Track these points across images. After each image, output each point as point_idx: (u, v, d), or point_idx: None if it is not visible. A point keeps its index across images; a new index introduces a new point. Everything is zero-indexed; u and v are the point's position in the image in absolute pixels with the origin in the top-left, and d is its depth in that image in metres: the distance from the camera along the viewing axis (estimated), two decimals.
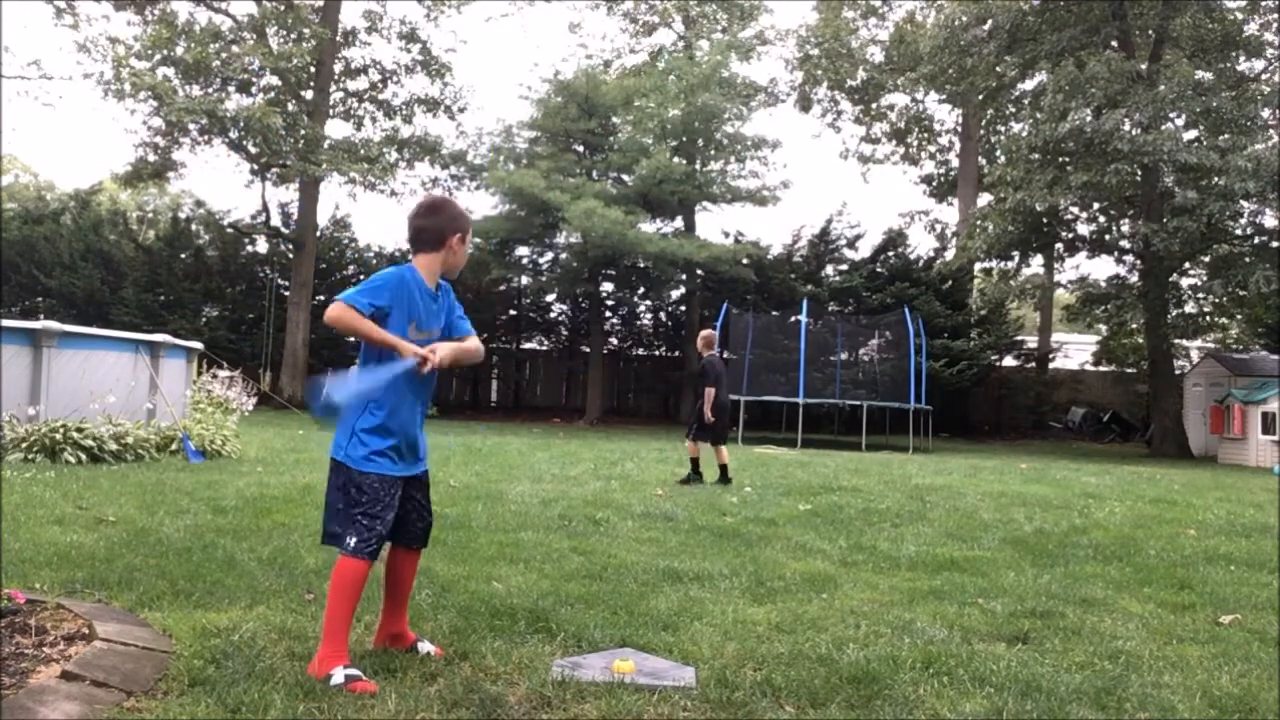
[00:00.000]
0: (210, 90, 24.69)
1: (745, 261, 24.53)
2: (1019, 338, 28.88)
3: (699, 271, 25.18)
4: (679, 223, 26.69)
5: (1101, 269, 62.53)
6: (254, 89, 25.38)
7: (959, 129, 31.33)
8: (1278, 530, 7.25)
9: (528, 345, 30.85)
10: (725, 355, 23.38)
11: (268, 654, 3.17)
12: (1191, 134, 19.94)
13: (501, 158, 25.41)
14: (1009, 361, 28.74)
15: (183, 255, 27.64)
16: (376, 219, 77.95)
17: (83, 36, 24.71)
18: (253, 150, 24.91)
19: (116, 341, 10.72)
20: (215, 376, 14.22)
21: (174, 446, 9.78)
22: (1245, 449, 18.44)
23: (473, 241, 3.10)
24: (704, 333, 9.96)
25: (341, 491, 3.11)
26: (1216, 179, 17.56)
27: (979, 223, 22.25)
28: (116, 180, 27.83)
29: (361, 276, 29.47)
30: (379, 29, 27.51)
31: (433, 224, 3.27)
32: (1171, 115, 19.09)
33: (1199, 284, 23.74)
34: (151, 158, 26.03)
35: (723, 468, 9.42)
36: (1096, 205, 22.69)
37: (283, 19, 24.26)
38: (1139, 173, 19.74)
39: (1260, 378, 20.23)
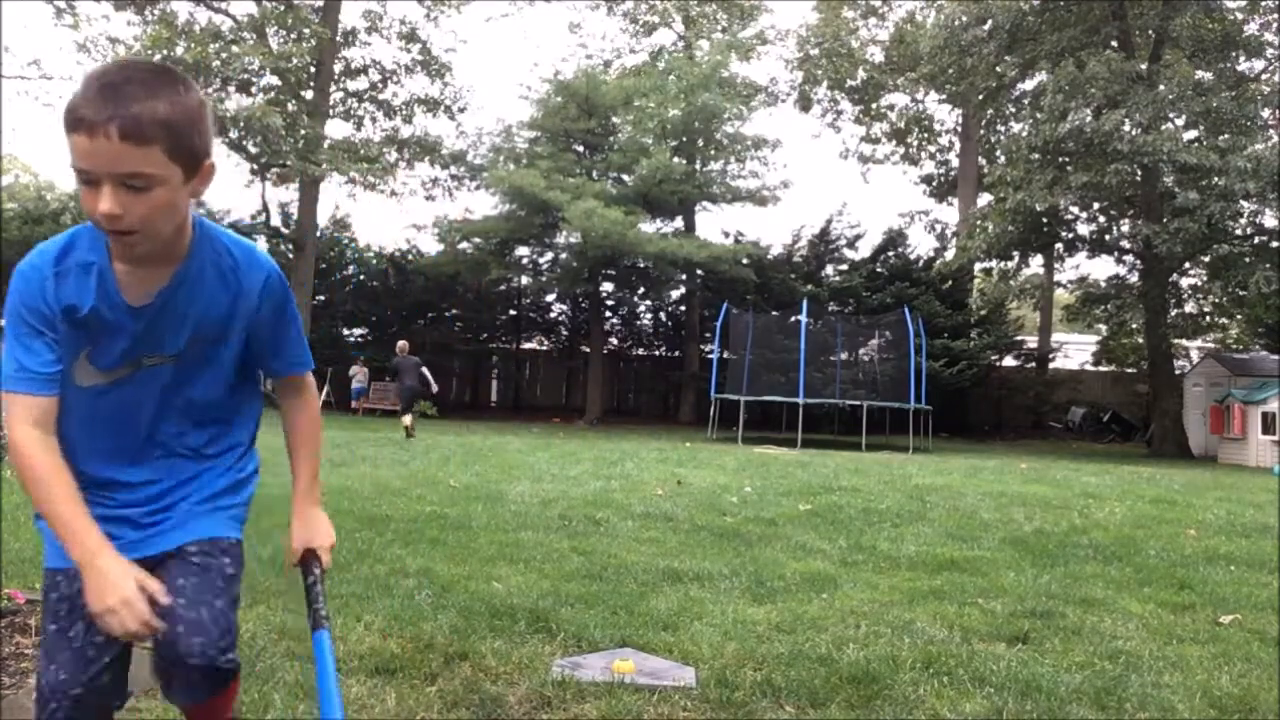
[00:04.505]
0: (210, 90, 24.69)
1: (745, 261, 24.53)
2: (1019, 338, 28.87)
3: (699, 271, 25.18)
4: (679, 223, 26.69)
5: (1101, 269, 62.51)
6: (254, 89, 25.38)
7: (959, 129, 31.32)
8: (1278, 530, 7.25)
9: (528, 345, 30.85)
10: (724, 354, 23.45)
11: (268, 654, 3.16)
12: (1191, 134, 19.94)
13: (501, 158, 25.42)
14: (1009, 361, 28.73)
15: None
16: (376, 219, 78.04)
17: (83, 36, 24.72)
18: (253, 150, 24.91)
19: None
20: None
21: None
22: (1245, 449, 18.43)
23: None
24: (400, 343, 15.74)
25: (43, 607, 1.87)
26: (1216, 179, 17.55)
27: (979, 223, 22.24)
28: None
29: (362, 277, 29.47)
30: (379, 29, 27.51)
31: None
32: (1171, 115, 19.08)
33: (1199, 284, 23.73)
34: None
35: (407, 428, 14.20)
36: (1096, 205, 22.68)
37: (283, 19, 24.26)
38: (1139, 173, 19.74)
39: (1260, 378, 20.22)
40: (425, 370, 15.36)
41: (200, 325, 1.76)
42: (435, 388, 16.25)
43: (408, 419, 14.46)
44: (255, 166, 25.78)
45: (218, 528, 1.85)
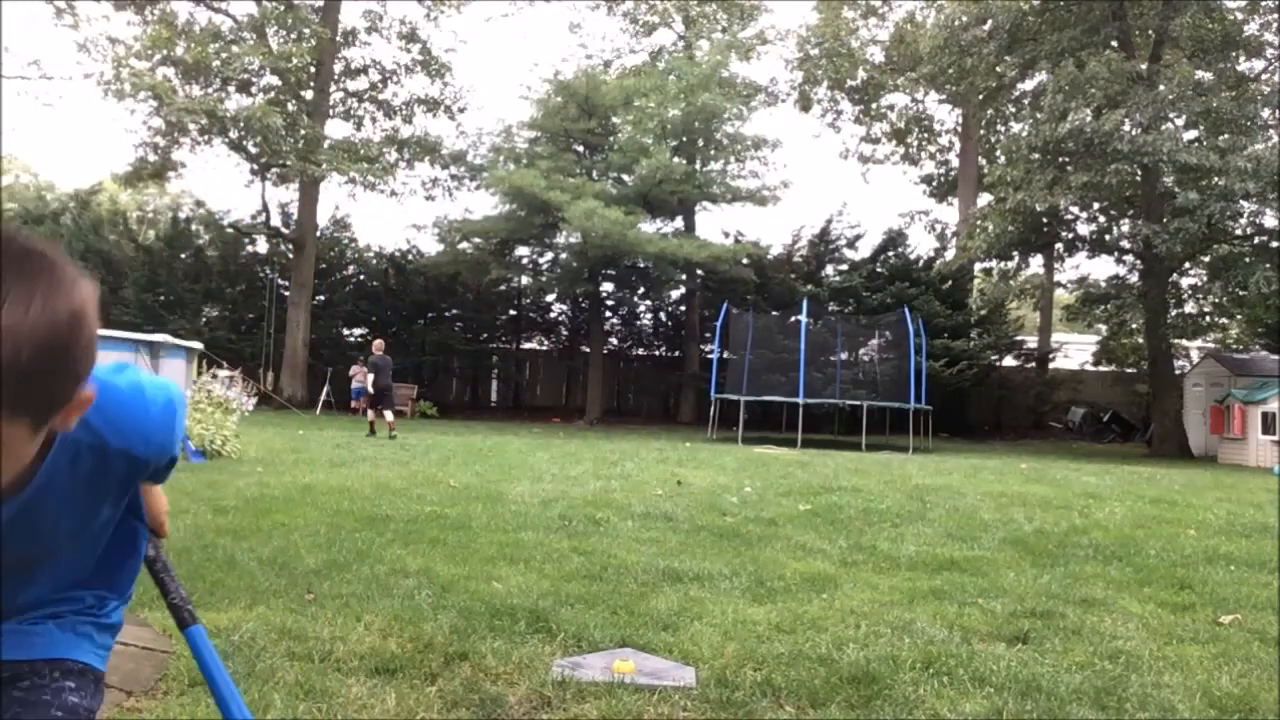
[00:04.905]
0: (210, 90, 24.70)
1: (745, 261, 24.53)
2: (1019, 338, 28.88)
3: (699, 271, 25.19)
4: (679, 223, 26.70)
5: (1101, 269, 62.48)
6: (254, 89, 25.39)
7: (959, 129, 31.31)
8: (1278, 530, 7.25)
9: (528, 345, 30.86)
10: (724, 354, 23.48)
11: (268, 654, 3.16)
12: (1191, 134, 19.93)
13: (501, 158, 25.43)
14: (1009, 361, 28.73)
15: (183, 255, 27.66)
16: (376, 219, 77.99)
17: (83, 36, 24.72)
18: (253, 150, 24.92)
19: (116, 341, 10.72)
20: (215, 376, 14.21)
21: None
22: (1245, 449, 18.43)
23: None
24: (376, 341, 16.08)
25: None
26: (1216, 179, 17.55)
27: (979, 223, 22.24)
28: (116, 180, 27.84)
29: (362, 277, 29.50)
30: (379, 29, 27.53)
31: None
32: (1171, 115, 19.08)
33: (1199, 284, 23.72)
34: (151, 158, 26.05)
35: (389, 426, 14.60)
36: (1096, 205, 22.68)
37: (283, 19, 24.26)
38: (1139, 173, 19.74)
39: (1260, 378, 20.22)
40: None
41: (62, 529, 1.18)
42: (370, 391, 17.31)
43: (389, 415, 14.95)
44: (255, 166, 25.79)
45: (65, 646, 1.27)
